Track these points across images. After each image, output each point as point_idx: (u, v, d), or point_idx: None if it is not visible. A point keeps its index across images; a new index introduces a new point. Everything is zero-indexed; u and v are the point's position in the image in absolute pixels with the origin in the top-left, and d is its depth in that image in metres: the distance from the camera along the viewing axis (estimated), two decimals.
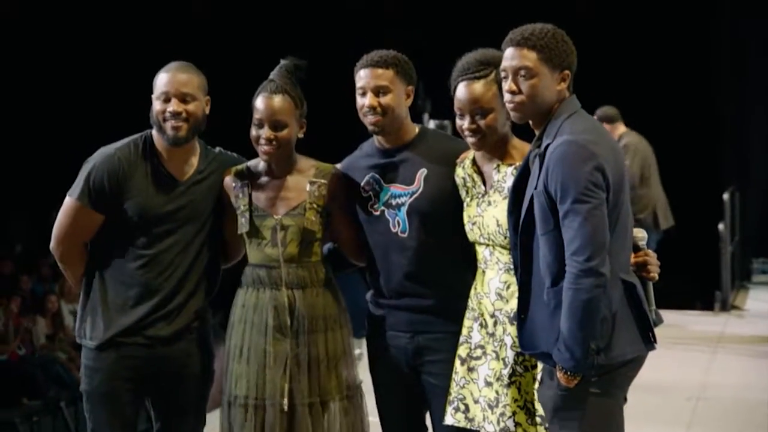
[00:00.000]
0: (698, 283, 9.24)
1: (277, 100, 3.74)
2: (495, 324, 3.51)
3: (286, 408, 3.72)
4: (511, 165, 3.55)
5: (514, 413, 3.44)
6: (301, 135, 3.83)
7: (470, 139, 3.56)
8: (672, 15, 12.13)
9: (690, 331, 8.54)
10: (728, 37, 12.58)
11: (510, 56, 3.26)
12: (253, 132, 3.77)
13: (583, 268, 3.07)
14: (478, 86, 3.51)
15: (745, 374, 7.56)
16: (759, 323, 9.52)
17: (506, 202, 3.43)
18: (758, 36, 13.23)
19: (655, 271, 3.38)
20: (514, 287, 3.43)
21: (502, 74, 3.32)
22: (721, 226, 10.06)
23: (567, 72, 3.28)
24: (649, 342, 3.27)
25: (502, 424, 3.44)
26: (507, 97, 3.29)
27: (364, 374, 3.96)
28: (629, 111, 8.91)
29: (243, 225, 3.80)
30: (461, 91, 3.54)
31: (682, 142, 8.95)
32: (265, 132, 3.73)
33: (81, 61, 13.66)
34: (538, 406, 3.42)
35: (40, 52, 13.65)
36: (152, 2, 13.49)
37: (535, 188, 3.22)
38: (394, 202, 3.75)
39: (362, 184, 3.80)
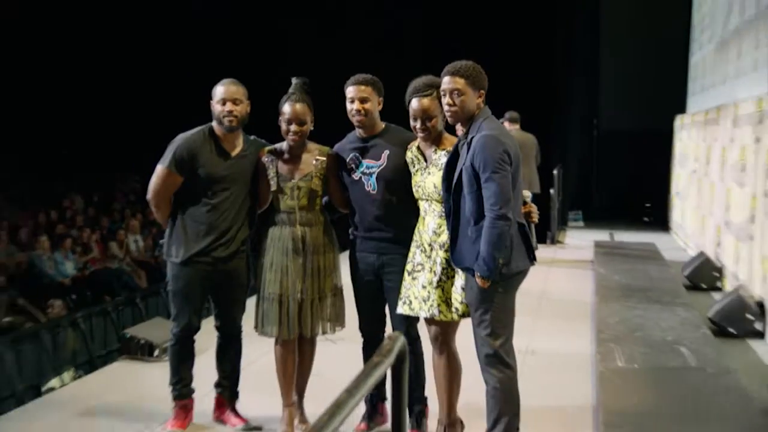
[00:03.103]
0: (537, 226, 9.25)
1: (299, 106, 3.71)
2: (431, 250, 3.53)
3: (300, 300, 3.75)
4: (444, 150, 3.54)
5: (438, 305, 3.49)
6: (312, 128, 3.81)
7: (420, 134, 3.55)
8: (511, 13, 11.16)
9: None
10: (562, 38, 11.98)
11: (447, 82, 3.29)
12: (284, 127, 3.75)
13: (499, 214, 3.14)
14: (426, 101, 3.49)
15: (569, 282, 7.70)
16: (574, 252, 9.67)
17: (440, 173, 3.44)
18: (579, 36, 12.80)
19: (535, 217, 3.47)
20: (444, 227, 3.45)
21: (442, 93, 3.32)
22: (552, 191, 10.09)
23: (482, 91, 3.31)
24: (532, 260, 3.36)
25: (431, 312, 3.50)
26: (446, 108, 3.31)
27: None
28: None
29: (273, 185, 3.78)
30: (415, 104, 3.51)
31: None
32: (293, 128, 3.72)
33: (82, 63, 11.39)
34: (453, 302, 3.47)
35: (41, 51, 11.22)
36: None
37: (464, 164, 3.25)
38: (368, 172, 3.72)
39: (347, 159, 3.77)
